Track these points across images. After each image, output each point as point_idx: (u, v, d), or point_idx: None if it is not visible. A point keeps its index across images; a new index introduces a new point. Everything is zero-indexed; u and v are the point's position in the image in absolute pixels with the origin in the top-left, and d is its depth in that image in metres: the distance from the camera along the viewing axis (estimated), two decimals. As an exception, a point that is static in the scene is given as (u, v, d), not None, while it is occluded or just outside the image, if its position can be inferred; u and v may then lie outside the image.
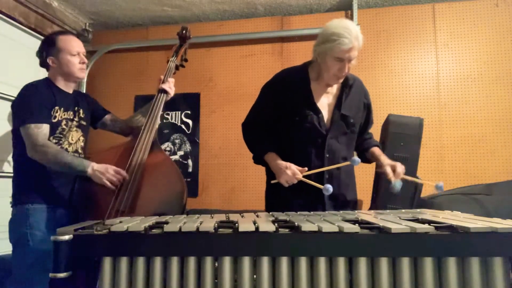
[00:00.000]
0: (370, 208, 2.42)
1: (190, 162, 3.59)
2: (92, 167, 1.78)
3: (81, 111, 2.02)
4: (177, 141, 3.65)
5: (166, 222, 1.12)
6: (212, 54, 3.69)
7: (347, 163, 1.75)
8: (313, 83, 1.84)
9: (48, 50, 1.95)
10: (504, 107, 3.16)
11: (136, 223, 1.11)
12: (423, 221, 1.10)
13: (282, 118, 1.82)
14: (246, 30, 3.63)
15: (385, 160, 1.79)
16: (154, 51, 3.76)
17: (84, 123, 2.04)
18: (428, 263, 0.97)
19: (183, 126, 3.66)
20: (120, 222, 1.17)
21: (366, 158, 1.95)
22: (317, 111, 1.79)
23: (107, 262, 1.03)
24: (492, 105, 3.18)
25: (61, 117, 1.91)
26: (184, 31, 2.22)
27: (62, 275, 0.99)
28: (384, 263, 0.98)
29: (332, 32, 1.67)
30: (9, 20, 2.99)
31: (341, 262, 0.99)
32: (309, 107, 1.79)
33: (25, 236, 1.77)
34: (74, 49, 1.95)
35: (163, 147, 3.63)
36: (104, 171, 1.77)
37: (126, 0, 3.42)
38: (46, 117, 1.84)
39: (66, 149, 1.91)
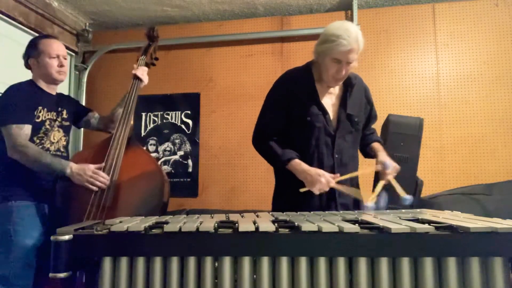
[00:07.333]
0: (370, 208, 2.42)
1: (190, 162, 3.59)
2: (71, 168, 1.81)
3: (64, 112, 2.07)
4: (177, 141, 3.64)
5: (166, 222, 1.12)
6: (212, 54, 3.68)
7: (374, 168, 1.78)
8: (316, 83, 1.83)
9: (30, 52, 1.99)
10: (504, 107, 3.16)
11: (136, 223, 1.11)
12: (423, 221, 1.10)
13: (294, 120, 1.79)
14: (246, 30, 3.62)
15: (380, 157, 1.80)
16: (154, 51, 3.75)
17: (66, 123, 2.08)
18: (428, 263, 0.97)
19: (183, 126, 3.66)
20: (120, 222, 1.17)
21: (368, 153, 1.96)
22: (325, 111, 1.79)
23: (107, 262, 1.03)
24: (492, 105, 3.18)
25: (44, 117, 1.94)
26: (151, 31, 2.31)
27: (62, 275, 0.99)
28: (384, 263, 0.98)
29: (332, 33, 1.67)
30: (9, 20, 2.99)
31: (341, 262, 0.99)
32: (317, 107, 1.79)
33: (8, 232, 1.79)
34: (53, 51, 1.98)
35: (163, 147, 3.63)
36: (83, 173, 1.80)
37: (126, 0, 3.42)
38: (28, 118, 1.85)
39: (48, 149, 1.93)
